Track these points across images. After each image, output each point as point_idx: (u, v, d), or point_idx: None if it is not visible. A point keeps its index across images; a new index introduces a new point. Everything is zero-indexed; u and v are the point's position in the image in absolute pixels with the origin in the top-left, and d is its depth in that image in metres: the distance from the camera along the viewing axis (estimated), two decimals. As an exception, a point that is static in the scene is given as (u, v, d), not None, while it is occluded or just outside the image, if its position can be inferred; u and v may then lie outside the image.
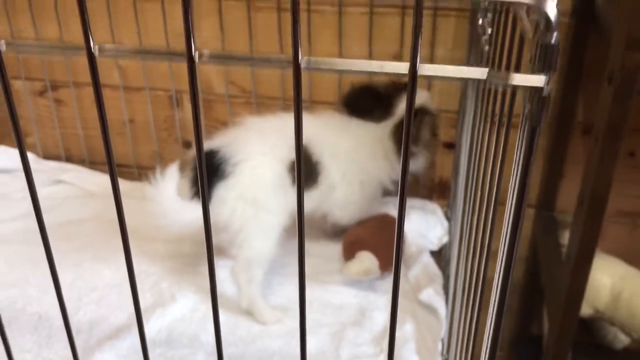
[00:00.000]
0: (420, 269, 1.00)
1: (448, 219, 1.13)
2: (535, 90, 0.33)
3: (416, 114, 0.95)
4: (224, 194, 0.89)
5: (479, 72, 0.34)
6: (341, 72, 0.33)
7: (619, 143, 0.66)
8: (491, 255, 0.49)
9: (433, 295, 0.92)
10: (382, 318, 0.91)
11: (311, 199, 0.95)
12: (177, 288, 0.97)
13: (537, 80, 0.33)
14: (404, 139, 0.34)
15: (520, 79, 0.33)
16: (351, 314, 0.92)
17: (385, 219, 1.04)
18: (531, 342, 1.27)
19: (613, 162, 0.67)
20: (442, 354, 0.86)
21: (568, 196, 1.11)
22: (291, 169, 0.90)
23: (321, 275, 1.00)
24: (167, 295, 0.96)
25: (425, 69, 0.33)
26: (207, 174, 0.80)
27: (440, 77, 0.33)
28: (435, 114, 1.00)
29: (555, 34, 0.32)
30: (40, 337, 0.88)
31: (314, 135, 0.94)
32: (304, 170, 0.87)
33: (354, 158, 0.98)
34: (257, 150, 0.91)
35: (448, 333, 0.86)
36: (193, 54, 0.32)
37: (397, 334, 0.87)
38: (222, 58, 0.37)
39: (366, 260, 0.91)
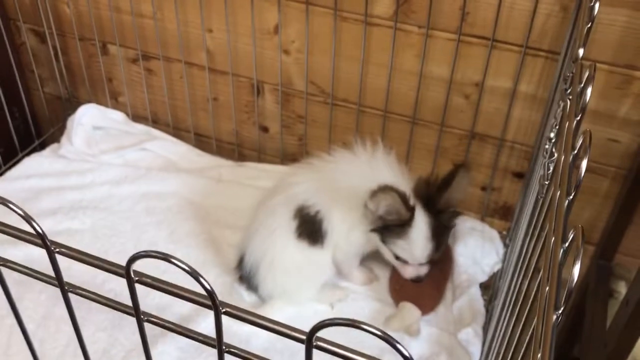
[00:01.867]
0: (466, 302, 1.03)
1: (506, 245, 1.15)
2: None
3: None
4: None
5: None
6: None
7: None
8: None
9: (472, 337, 0.97)
10: (418, 349, 0.96)
11: None
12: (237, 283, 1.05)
13: None
14: None
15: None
16: (382, 315, 1.00)
17: None
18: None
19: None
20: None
21: (632, 243, 1.09)
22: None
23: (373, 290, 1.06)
24: (229, 290, 1.05)
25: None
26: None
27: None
28: None
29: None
30: (115, 317, 1.00)
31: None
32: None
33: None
34: None
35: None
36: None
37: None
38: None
39: (407, 316, 0.96)
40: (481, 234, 1.15)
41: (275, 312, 1.00)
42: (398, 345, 0.29)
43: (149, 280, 0.34)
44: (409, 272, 0.96)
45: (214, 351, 1.05)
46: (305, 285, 1.01)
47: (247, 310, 0.32)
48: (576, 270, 0.30)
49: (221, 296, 1.02)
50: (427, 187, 0.92)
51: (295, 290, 1.00)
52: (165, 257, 0.31)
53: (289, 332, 0.31)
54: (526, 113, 1.06)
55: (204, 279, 0.30)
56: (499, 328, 0.77)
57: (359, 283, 1.06)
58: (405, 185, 0.91)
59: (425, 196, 0.91)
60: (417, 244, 0.91)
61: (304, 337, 0.29)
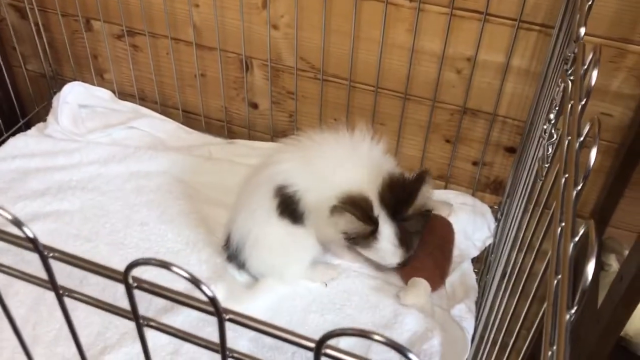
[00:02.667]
0: (458, 277, 1.04)
1: (497, 219, 1.15)
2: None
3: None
4: None
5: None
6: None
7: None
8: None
9: (465, 312, 0.97)
10: (412, 325, 0.97)
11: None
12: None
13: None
14: None
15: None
16: (385, 315, 0.99)
17: (433, 222, 1.06)
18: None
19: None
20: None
21: (623, 216, 1.10)
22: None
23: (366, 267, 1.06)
24: (221, 270, 1.05)
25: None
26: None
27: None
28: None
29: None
30: (107, 301, 0.99)
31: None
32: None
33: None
34: None
35: (474, 352, 0.92)
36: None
37: (424, 346, 0.94)
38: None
39: (423, 292, 0.96)
40: (472, 209, 1.15)
41: (267, 291, 1.00)
42: (410, 355, 0.28)
43: (148, 287, 0.33)
44: (385, 262, 0.96)
45: (207, 333, 1.05)
46: (292, 263, 1.01)
47: (251, 317, 0.31)
48: (590, 268, 0.29)
49: (214, 276, 1.02)
50: (394, 193, 0.90)
51: (282, 268, 1.00)
52: (165, 265, 0.30)
53: (296, 340, 0.30)
54: (519, 88, 1.05)
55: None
56: (495, 306, 0.77)
57: (349, 260, 1.06)
58: (375, 185, 0.90)
59: (391, 203, 0.90)
60: (385, 252, 0.92)
61: (312, 344, 0.29)
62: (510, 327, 0.67)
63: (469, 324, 0.96)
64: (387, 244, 0.91)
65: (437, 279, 1.00)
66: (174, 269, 0.29)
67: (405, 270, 1.00)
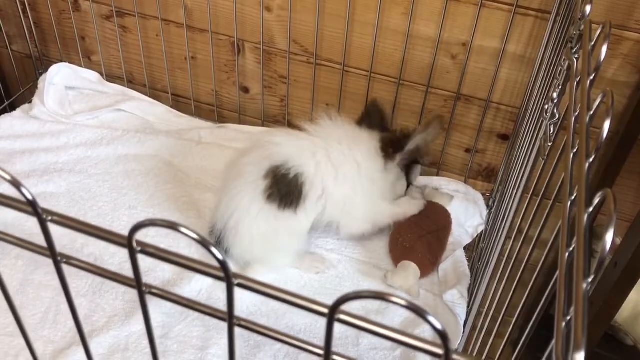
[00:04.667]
0: (451, 264, 1.03)
1: (489, 207, 1.15)
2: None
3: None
4: None
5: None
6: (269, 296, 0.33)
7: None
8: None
9: (457, 298, 0.97)
10: (404, 310, 0.97)
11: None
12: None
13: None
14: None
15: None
16: (377, 302, 0.98)
17: (431, 208, 1.06)
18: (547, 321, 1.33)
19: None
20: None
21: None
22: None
23: (359, 254, 1.05)
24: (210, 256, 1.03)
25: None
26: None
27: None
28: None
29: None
30: (95, 283, 0.97)
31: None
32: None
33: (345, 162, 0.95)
34: None
35: (465, 341, 0.92)
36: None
37: (416, 331, 0.94)
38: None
39: (411, 275, 0.96)
40: (465, 196, 1.15)
41: (258, 276, 0.99)
42: (429, 318, 0.27)
43: (153, 251, 0.31)
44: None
45: (197, 315, 1.03)
46: (276, 252, 0.98)
47: (262, 283, 0.30)
48: (609, 237, 0.28)
49: (204, 259, 1.01)
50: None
51: (265, 257, 0.98)
52: (173, 226, 0.29)
53: (309, 305, 0.29)
54: (513, 74, 1.04)
55: (216, 249, 0.28)
56: (490, 293, 0.77)
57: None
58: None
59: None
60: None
61: (325, 310, 0.28)
62: (505, 317, 0.67)
63: (461, 310, 0.96)
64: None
65: (428, 264, 0.99)
66: (183, 229, 0.28)
67: (396, 252, 1.00)
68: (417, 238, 0.99)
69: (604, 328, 0.88)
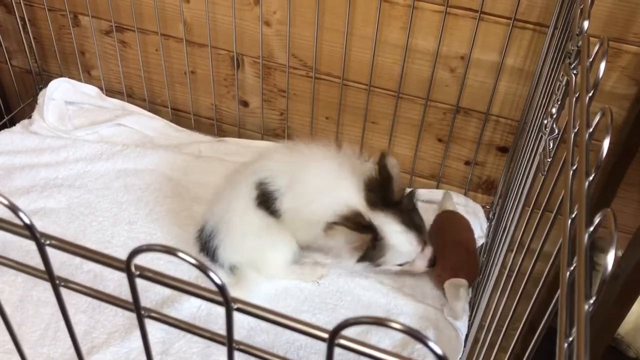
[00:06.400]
0: (451, 277, 1.03)
1: (489, 219, 1.15)
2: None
3: None
4: None
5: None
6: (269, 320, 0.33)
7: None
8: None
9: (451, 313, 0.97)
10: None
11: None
12: (220, 263, 1.03)
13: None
14: None
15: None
16: (378, 315, 0.98)
17: (448, 221, 1.07)
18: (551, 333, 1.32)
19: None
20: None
21: (617, 215, 1.10)
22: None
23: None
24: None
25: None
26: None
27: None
28: None
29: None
30: (95, 299, 0.97)
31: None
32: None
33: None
34: None
35: (467, 354, 0.91)
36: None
37: (417, 346, 0.93)
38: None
39: (462, 292, 0.96)
40: (465, 209, 1.15)
41: (257, 291, 0.99)
42: (430, 343, 0.27)
43: (151, 275, 0.31)
44: (419, 266, 0.96)
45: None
46: (269, 254, 0.99)
47: (262, 307, 0.30)
48: (610, 257, 0.28)
49: (203, 276, 1.01)
50: (375, 187, 0.92)
51: (255, 259, 0.99)
52: (170, 251, 0.28)
53: (309, 330, 0.29)
54: (512, 87, 1.05)
55: (215, 273, 0.28)
56: (492, 307, 0.77)
57: (329, 262, 1.01)
58: (360, 194, 0.92)
59: (379, 198, 0.91)
60: (400, 244, 0.91)
61: (325, 335, 0.28)
62: (508, 330, 0.66)
63: (462, 324, 0.95)
64: (396, 234, 0.90)
65: (472, 275, 0.99)
66: (181, 254, 0.28)
67: (440, 272, 1.00)
68: (452, 254, 1.00)
69: (606, 341, 0.88)
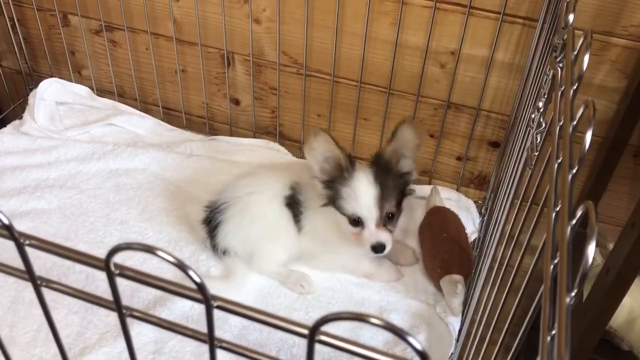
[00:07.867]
0: (444, 273, 1.03)
1: (481, 214, 1.15)
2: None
3: None
4: None
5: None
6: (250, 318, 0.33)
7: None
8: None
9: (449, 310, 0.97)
10: (397, 321, 0.96)
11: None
12: (214, 262, 1.03)
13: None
14: None
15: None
16: (370, 312, 0.98)
17: (438, 218, 1.07)
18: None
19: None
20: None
21: (607, 210, 1.10)
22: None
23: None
24: (204, 269, 1.03)
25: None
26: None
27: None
28: None
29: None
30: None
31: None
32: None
33: None
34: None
35: (460, 348, 0.91)
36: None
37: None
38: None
39: (460, 288, 0.96)
40: (457, 204, 1.15)
41: (250, 287, 0.99)
42: (409, 338, 0.27)
43: (131, 274, 0.31)
44: (367, 237, 0.91)
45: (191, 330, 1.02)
46: (268, 246, 1.00)
47: (242, 305, 0.30)
48: (591, 250, 0.28)
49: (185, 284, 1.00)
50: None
51: (255, 247, 0.99)
52: (149, 249, 0.28)
53: (289, 326, 0.29)
54: (503, 82, 1.05)
55: (194, 272, 0.28)
56: (483, 301, 0.77)
57: (384, 280, 1.02)
58: None
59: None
60: (360, 189, 0.89)
61: (305, 331, 0.27)
62: (499, 324, 0.66)
63: (454, 320, 0.95)
64: (363, 180, 0.90)
65: (466, 270, 0.99)
66: (160, 253, 0.28)
67: (435, 269, 1.00)
68: (447, 251, 0.99)
69: (598, 334, 0.88)
